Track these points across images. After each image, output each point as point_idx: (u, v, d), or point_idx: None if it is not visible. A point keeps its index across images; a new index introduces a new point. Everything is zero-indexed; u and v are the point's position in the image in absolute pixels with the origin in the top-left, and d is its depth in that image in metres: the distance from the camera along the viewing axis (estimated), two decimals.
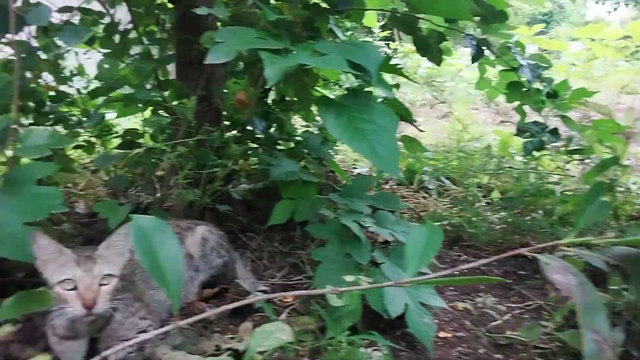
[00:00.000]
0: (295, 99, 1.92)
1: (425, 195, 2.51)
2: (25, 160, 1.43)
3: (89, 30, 1.52)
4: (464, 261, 1.83)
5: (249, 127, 2.04)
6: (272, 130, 2.18)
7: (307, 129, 2.44)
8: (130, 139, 2.34)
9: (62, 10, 1.95)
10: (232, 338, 1.21)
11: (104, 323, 1.09)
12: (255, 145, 2.07)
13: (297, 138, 2.27)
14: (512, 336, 1.33)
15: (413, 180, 2.67)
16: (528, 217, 2.12)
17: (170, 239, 0.71)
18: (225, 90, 2.07)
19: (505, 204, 2.29)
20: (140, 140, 2.28)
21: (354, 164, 3.06)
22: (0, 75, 1.16)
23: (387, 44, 6.04)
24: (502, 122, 4.69)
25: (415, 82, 1.72)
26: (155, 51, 1.98)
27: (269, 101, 2.19)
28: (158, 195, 1.87)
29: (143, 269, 1.26)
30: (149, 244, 0.69)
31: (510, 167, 2.60)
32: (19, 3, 1.64)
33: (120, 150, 1.75)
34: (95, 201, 2.12)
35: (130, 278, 1.22)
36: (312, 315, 1.34)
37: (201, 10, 1.25)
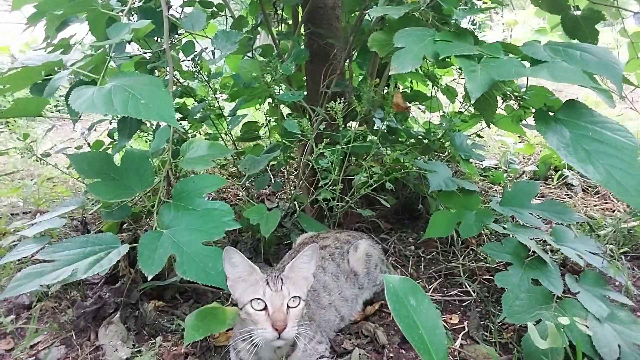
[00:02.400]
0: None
1: (569, 192, 2.25)
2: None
3: (241, 34, 1.45)
4: None
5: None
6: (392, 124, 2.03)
7: (428, 122, 2.25)
8: (252, 131, 2.35)
9: (184, 5, 1.95)
10: None
11: (289, 350, 1.05)
12: (373, 138, 1.94)
13: (419, 132, 2.11)
14: None
15: (548, 174, 2.41)
16: None
17: (426, 304, 0.62)
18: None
19: None
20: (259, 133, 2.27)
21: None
22: (156, 81, 1.12)
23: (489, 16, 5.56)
24: None
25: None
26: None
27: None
28: (293, 195, 1.84)
29: (311, 288, 1.21)
30: (406, 310, 0.61)
31: None
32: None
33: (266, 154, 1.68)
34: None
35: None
36: (487, 344, 1.22)
37: (375, 12, 1.12)
